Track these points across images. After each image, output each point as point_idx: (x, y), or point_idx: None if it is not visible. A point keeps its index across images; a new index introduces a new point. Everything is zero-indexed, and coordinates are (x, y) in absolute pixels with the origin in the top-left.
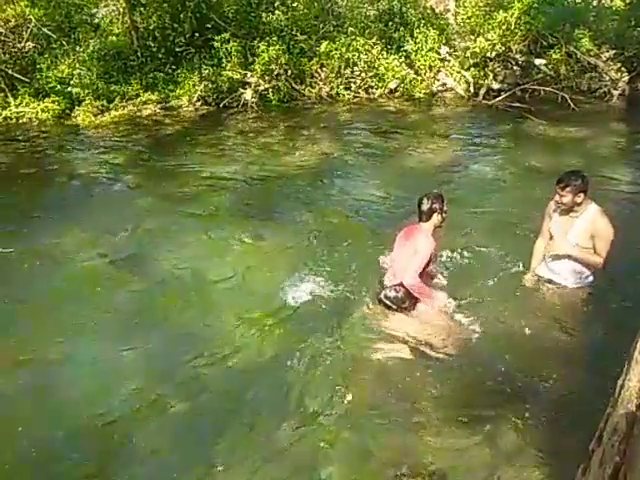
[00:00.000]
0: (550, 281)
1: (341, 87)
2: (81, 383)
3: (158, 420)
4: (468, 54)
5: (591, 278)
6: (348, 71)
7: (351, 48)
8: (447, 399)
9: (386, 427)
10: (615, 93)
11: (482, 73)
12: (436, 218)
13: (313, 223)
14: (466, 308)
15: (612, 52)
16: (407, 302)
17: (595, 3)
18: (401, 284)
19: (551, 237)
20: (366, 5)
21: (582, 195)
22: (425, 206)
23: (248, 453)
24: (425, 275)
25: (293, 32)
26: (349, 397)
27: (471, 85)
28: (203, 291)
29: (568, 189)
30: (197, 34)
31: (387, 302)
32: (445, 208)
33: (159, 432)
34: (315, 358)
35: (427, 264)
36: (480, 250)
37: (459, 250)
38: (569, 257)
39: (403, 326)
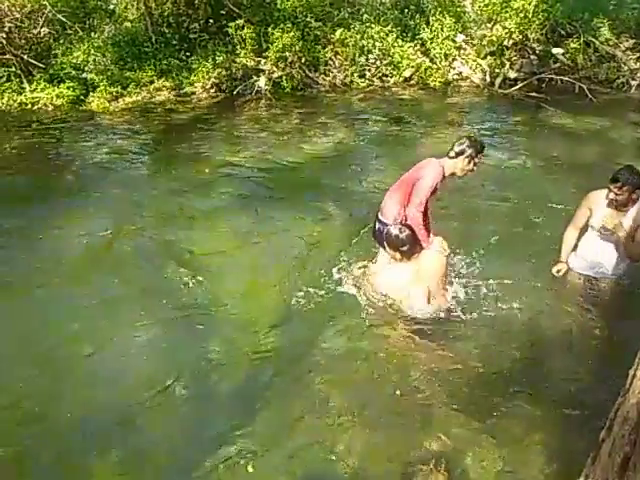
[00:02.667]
0: (584, 273)
1: (355, 75)
2: (95, 363)
3: (169, 403)
4: (485, 42)
5: (624, 270)
6: (363, 59)
7: (366, 35)
8: (453, 385)
9: (390, 418)
10: (633, 83)
11: (498, 62)
12: (461, 161)
13: (326, 211)
14: (484, 297)
15: (631, 42)
16: (407, 246)
17: None
18: (408, 226)
19: (586, 228)
20: None
21: (638, 192)
22: (458, 145)
23: (255, 441)
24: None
25: (308, 19)
26: (356, 386)
27: (487, 74)
28: (215, 276)
29: (625, 188)
30: (211, 20)
31: (387, 237)
32: (477, 160)
33: (170, 415)
34: (327, 344)
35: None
36: (497, 239)
37: (476, 239)
38: (610, 250)
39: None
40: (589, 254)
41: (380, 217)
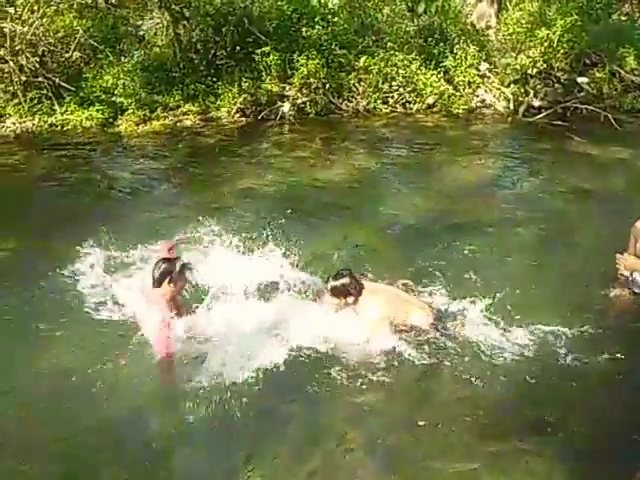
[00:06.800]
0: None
1: (379, 101)
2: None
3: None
4: (508, 70)
5: None
6: (386, 86)
7: (390, 63)
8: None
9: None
10: None
11: (522, 90)
12: (172, 284)
13: (347, 237)
14: (516, 325)
15: None
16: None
17: None
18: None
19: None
20: (406, 21)
21: None
22: (156, 272)
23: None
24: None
25: (332, 46)
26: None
27: (511, 102)
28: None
29: None
30: (238, 47)
31: (333, 290)
32: (183, 275)
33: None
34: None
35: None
36: (529, 266)
37: (505, 267)
38: None
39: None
40: None
41: None
